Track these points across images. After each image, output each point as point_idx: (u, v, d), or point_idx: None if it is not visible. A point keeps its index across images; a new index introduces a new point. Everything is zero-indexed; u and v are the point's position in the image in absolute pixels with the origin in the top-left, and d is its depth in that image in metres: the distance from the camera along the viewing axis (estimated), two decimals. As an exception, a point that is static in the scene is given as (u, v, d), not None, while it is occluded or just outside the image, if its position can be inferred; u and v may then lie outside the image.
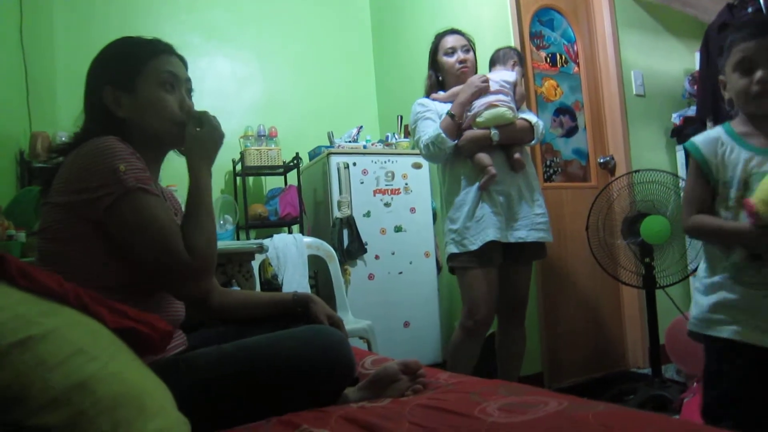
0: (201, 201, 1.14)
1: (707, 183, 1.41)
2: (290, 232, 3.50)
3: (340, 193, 3.16)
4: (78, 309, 0.75)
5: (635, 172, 2.54)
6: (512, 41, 2.92)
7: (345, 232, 3.11)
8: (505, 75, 2.28)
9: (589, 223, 2.51)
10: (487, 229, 2.12)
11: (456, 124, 2.18)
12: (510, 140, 2.21)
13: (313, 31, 4.14)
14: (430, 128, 2.22)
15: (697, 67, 3.10)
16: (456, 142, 2.20)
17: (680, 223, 2.08)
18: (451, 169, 2.28)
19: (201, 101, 4.15)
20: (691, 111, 3.18)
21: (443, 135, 2.16)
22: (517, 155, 2.20)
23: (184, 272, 1.06)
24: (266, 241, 2.59)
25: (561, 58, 3.24)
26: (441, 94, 2.34)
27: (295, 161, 3.44)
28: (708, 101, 2.72)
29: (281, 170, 3.63)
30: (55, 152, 1.18)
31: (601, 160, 3.24)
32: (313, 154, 3.56)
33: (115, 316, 0.80)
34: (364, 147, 3.40)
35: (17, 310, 0.65)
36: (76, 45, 3.14)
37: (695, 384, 2.16)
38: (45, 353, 0.62)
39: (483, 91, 2.19)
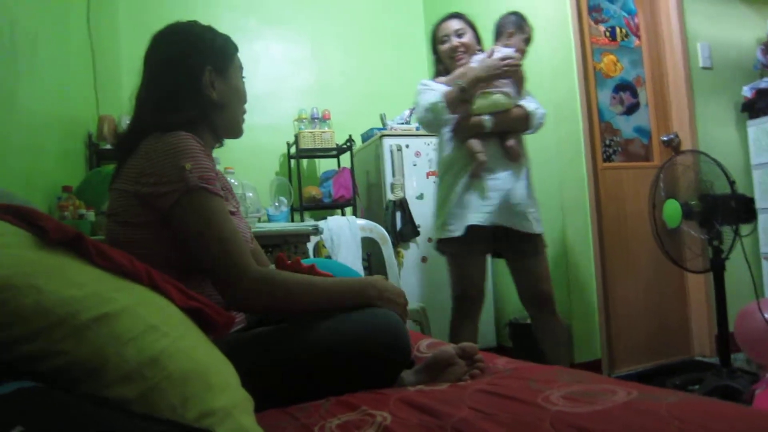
0: (333, 287, 1.14)
1: None
2: (343, 214, 3.53)
3: (393, 175, 3.15)
4: (149, 287, 0.77)
5: (679, 153, 2.42)
6: (569, 16, 2.82)
7: (398, 215, 3.10)
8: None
9: (657, 203, 2.43)
10: (469, 214, 2.10)
11: (461, 98, 2.11)
12: (504, 128, 2.14)
13: (365, 12, 4.11)
14: (431, 96, 2.16)
15: (770, 35, 2.91)
16: (453, 116, 2.15)
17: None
18: (444, 153, 2.24)
19: (256, 85, 4.23)
20: (765, 83, 3.00)
21: (442, 104, 2.11)
22: (510, 143, 2.13)
23: (233, 283, 1.05)
24: (321, 223, 2.63)
25: (621, 31, 3.10)
26: (443, 78, 2.28)
27: (348, 143, 3.45)
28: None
29: (334, 152, 3.65)
30: (130, 134, 1.19)
31: (665, 138, 3.10)
32: (365, 137, 3.56)
33: (182, 295, 0.83)
34: (417, 129, 3.37)
35: (95, 287, 0.68)
36: (139, 32, 3.22)
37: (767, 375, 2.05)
38: (120, 329, 0.65)
39: (501, 74, 2.10)
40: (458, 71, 2.20)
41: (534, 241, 2.16)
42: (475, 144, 2.10)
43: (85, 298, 0.64)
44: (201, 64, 1.20)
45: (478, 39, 2.29)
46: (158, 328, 0.69)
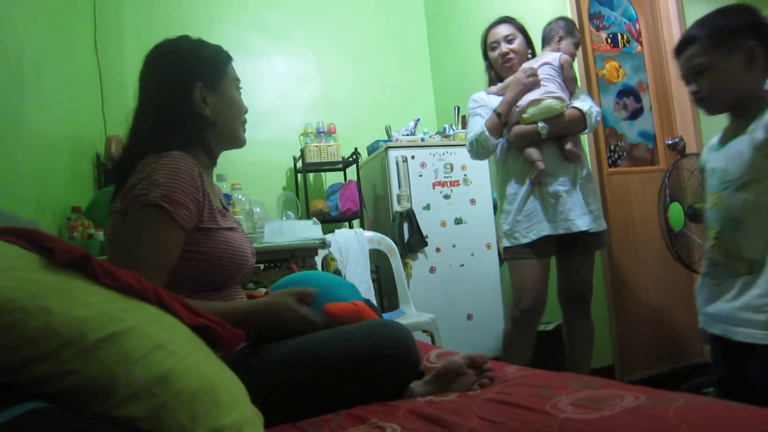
0: (225, 310, 1.08)
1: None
2: (351, 226, 3.54)
3: (400, 186, 3.16)
4: (156, 306, 0.78)
5: (684, 157, 2.44)
6: (571, 23, 2.82)
7: (405, 226, 3.11)
8: (548, 61, 2.17)
9: (666, 206, 2.43)
10: (540, 224, 2.10)
11: (501, 123, 2.15)
12: (560, 132, 2.14)
13: (368, 25, 4.15)
14: (477, 125, 2.20)
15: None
16: (500, 140, 2.18)
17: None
18: (504, 163, 2.25)
19: (261, 101, 4.24)
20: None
21: (487, 134, 2.15)
22: (569, 146, 2.13)
23: None
24: (328, 236, 2.63)
25: (623, 37, 3.11)
26: (494, 87, 2.29)
27: (354, 156, 3.46)
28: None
29: (341, 166, 3.67)
30: (127, 156, 1.20)
31: (670, 142, 3.09)
32: (371, 149, 3.58)
33: (190, 313, 0.83)
34: (422, 140, 3.38)
35: (102, 308, 0.68)
36: (145, 51, 3.26)
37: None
38: (128, 348, 0.66)
39: (530, 87, 2.11)
40: (506, 81, 2.21)
41: (590, 239, 2.16)
42: (532, 153, 2.10)
43: (93, 319, 0.65)
44: (191, 81, 1.19)
45: (529, 43, 2.28)
46: (166, 347, 0.70)
